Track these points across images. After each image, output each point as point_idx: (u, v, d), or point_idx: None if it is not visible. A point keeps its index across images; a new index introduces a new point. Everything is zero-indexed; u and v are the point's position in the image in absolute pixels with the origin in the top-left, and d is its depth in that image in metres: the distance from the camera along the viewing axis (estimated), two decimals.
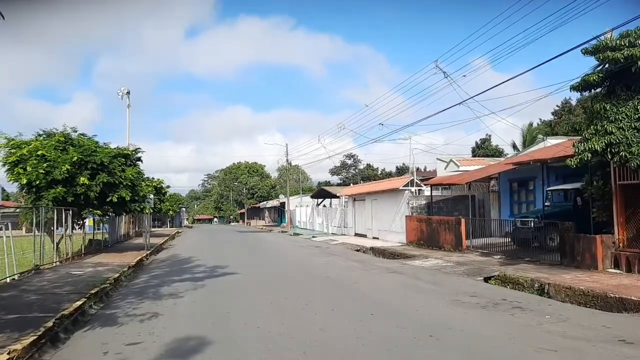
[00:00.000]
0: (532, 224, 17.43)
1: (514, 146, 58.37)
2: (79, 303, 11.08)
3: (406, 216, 25.56)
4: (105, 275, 15.62)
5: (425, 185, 25.50)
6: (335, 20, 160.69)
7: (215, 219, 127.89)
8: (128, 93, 43.39)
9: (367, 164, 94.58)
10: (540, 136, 56.09)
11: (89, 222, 27.12)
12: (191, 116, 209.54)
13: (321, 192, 47.49)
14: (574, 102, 62.05)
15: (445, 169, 32.22)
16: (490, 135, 64.29)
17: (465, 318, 8.92)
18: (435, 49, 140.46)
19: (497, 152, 58.06)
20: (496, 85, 14.32)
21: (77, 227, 23.77)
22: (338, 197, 40.37)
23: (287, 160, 53.70)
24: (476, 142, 63.91)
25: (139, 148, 25.62)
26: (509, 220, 19.12)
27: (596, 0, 14.00)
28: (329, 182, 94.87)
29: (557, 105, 63.39)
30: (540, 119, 64.29)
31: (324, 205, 48.26)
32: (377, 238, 30.24)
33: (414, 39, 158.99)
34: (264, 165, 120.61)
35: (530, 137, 55.51)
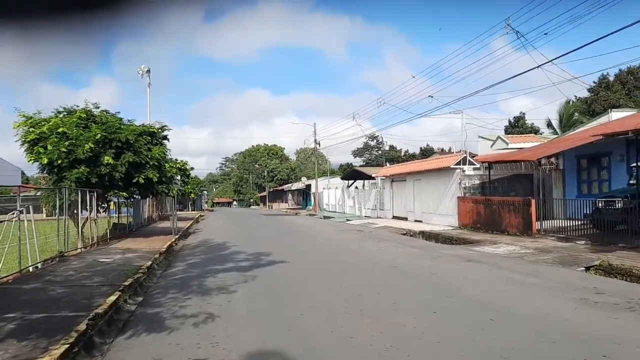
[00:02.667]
0: (621, 204, 15.20)
1: (549, 124, 55.80)
2: (113, 298, 9.34)
3: (458, 197, 23.38)
4: (136, 263, 14.00)
5: (481, 163, 23.25)
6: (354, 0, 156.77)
7: (235, 202, 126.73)
8: (148, 71, 41.87)
9: (390, 146, 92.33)
10: (576, 115, 53.61)
11: (111, 205, 25.50)
12: (210, 100, 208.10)
13: (353, 173, 45.27)
14: (611, 78, 59.24)
15: (491, 147, 29.92)
16: (524, 114, 61.68)
17: (623, 326, 6.80)
18: (459, 28, 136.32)
19: (533, 131, 55.41)
20: (583, 46, 12.15)
21: (101, 210, 22.21)
22: (373, 178, 38.19)
23: (315, 140, 51.52)
24: (509, 121, 61.39)
25: (165, 125, 23.86)
26: (589, 200, 16.89)
27: None
28: (351, 164, 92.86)
29: (594, 82, 60.46)
30: (576, 96, 61.52)
31: (356, 187, 46.10)
32: (420, 221, 28.13)
33: (436, 17, 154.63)
34: (284, 148, 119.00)
35: (567, 115, 52.96)
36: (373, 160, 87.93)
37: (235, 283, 11.03)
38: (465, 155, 23.18)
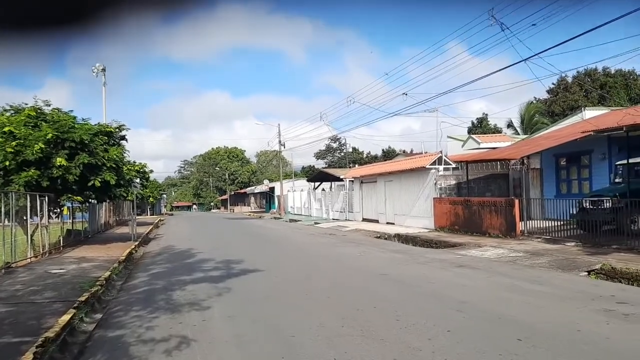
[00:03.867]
0: (609, 203, 14.57)
1: (510, 125, 56.38)
2: (66, 317, 8.08)
3: (434, 198, 22.56)
4: (93, 274, 12.70)
5: (459, 162, 22.50)
6: (315, 3, 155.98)
7: (195, 206, 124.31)
8: (104, 70, 39.74)
9: (353, 148, 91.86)
10: (537, 116, 54.16)
11: (64, 210, 23.80)
12: (167, 102, 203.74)
13: (320, 175, 44.13)
14: (570, 80, 60.30)
15: (462, 147, 29.45)
16: (487, 115, 62.09)
17: None
18: (420, 32, 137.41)
19: (497, 131, 55.69)
20: (578, 35, 11.42)
21: (53, 216, 20.57)
22: (341, 179, 37.17)
23: (280, 141, 50.15)
24: (472, 122, 61.62)
25: (122, 125, 22.44)
26: (574, 200, 16.25)
27: None
28: (313, 166, 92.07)
29: (553, 83, 61.50)
30: (535, 98, 62.35)
31: (323, 189, 45.02)
32: (393, 223, 27.24)
33: (397, 22, 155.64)
34: (244, 150, 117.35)
35: (529, 116, 53.60)
36: (336, 163, 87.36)
37: (208, 297, 9.77)
38: (440, 155, 22.37)
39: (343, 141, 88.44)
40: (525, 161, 24.34)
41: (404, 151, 75.59)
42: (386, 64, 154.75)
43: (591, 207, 15.19)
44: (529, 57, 14.20)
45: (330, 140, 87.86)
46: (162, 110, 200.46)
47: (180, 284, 11.45)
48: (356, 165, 46.75)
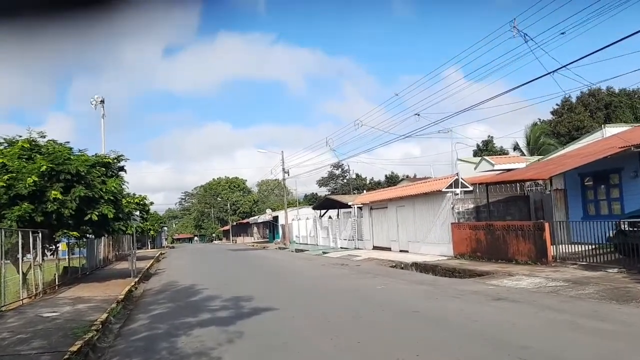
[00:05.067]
0: None
1: (516, 147, 55.52)
2: None
3: (452, 223, 21.26)
4: (88, 317, 11.58)
5: (479, 184, 21.29)
6: (315, 34, 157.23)
7: (196, 238, 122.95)
8: (102, 102, 39.10)
9: (356, 174, 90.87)
10: (542, 137, 53.35)
11: (62, 246, 22.63)
12: (169, 135, 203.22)
13: (326, 202, 42.85)
14: (574, 100, 59.79)
15: (475, 169, 28.22)
16: (492, 137, 61.27)
17: None
18: (420, 57, 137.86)
19: (503, 153, 54.71)
20: (606, 47, 10.27)
21: (48, 253, 19.43)
22: (349, 206, 35.90)
23: (284, 168, 49.00)
24: (477, 145, 60.64)
25: (121, 155, 21.50)
26: (611, 222, 14.96)
27: None
28: (316, 194, 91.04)
29: (557, 104, 61.14)
30: (540, 119, 61.72)
31: (330, 217, 43.72)
32: (407, 251, 25.88)
33: (394, 50, 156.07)
34: (246, 180, 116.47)
35: (534, 138, 52.88)
36: (339, 189, 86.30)
37: (218, 345, 8.47)
38: (457, 177, 21.13)
39: (346, 167, 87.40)
40: (541, 182, 23.22)
41: (407, 176, 74.63)
42: (386, 91, 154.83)
43: (630, 229, 13.95)
44: (557, 69, 13.11)
45: (332, 167, 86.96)
46: (163, 143, 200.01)
47: (184, 328, 10.16)
48: (364, 192, 45.53)
